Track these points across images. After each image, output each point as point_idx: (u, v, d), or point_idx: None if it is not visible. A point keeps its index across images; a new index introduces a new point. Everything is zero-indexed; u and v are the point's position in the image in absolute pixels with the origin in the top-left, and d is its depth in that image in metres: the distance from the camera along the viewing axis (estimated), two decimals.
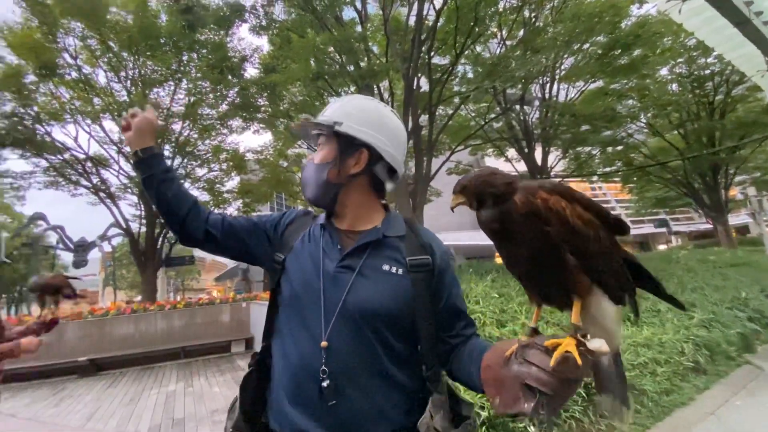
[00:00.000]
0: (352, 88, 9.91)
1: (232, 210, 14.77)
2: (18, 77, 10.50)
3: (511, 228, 0.66)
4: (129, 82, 12.18)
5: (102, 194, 12.73)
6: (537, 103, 13.28)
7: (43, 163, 12.16)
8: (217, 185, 14.43)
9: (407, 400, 0.86)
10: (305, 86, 10.21)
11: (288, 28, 9.71)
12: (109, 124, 12.34)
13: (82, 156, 12.37)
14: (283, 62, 9.42)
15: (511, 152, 14.45)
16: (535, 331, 0.70)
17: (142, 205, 12.91)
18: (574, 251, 0.62)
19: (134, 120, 0.98)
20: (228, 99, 13.02)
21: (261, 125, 13.31)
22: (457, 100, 11.49)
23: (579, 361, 0.57)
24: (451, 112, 11.81)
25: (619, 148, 14.60)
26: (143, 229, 12.92)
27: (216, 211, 1.48)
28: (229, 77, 12.26)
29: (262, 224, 1.06)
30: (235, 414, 0.96)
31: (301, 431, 0.83)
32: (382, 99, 10.36)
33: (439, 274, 0.92)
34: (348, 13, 10.37)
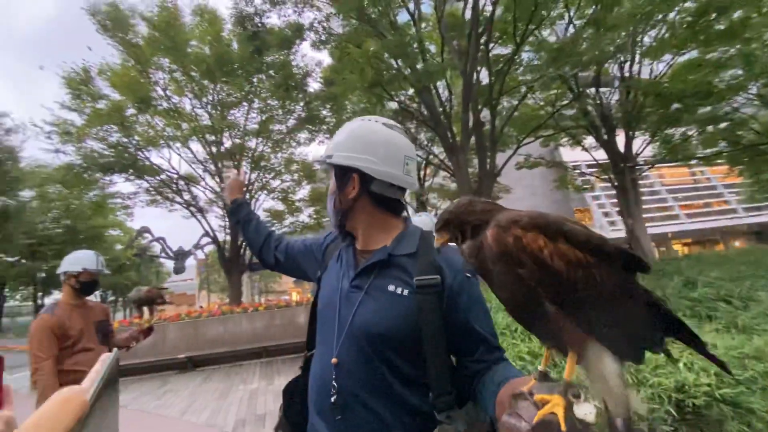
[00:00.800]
0: (410, 91, 9.88)
1: (305, 217, 15.73)
2: (120, 112, 12.38)
3: (485, 267, 0.59)
4: (210, 106, 13.59)
5: (193, 209, 14.34)
6: (616, 83, 12.02)
7: (145, 185, 14.22)
8: (290, 194, 15.50)
9: (420, 423, 0.83)
10: (363, 95, 10.40)
11: (345, 40, 9.98)
12: (196, 146, 13.93)
13: (175, 176, 14.10)
14: (342, 74, 9.69)
15: (589, 140, 13.27)
16: (544, 376, 0.61)
17: (226, 217, 14.24)
18: (556, 298, 0.53)
19: (227, 181, 1.39)
20: (295, 114, 13.93)
21: (326, 136, 13.95)
22: (523, 89, 10.86)
23: (563, 428, 0.49)
24: (516, 103, 11.20)
25: (723, 125, 12.59)
26: (228, 238, 14.21)
27: (286, 235, 1.75)
28: (294, 93, 13.06)
29: (311, 246, 1.18)
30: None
31: None
32: (439, 97, 10.19)
33: (451, 295, 0.86)
34: (403, 17, 10.38)
